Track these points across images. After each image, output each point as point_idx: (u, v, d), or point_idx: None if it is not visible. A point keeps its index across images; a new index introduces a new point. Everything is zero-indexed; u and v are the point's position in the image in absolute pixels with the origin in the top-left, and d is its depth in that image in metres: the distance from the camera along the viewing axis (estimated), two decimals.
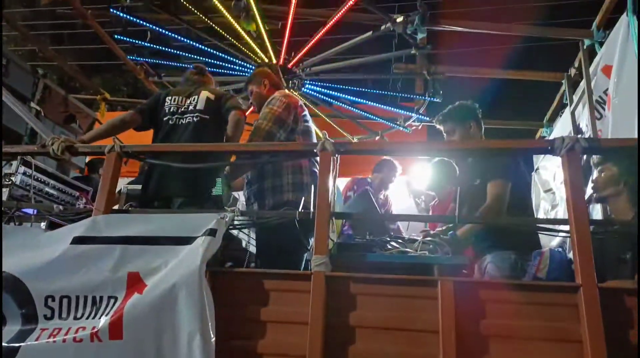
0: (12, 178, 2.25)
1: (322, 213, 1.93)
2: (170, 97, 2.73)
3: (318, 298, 1.79)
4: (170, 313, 1.76)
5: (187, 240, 1.91)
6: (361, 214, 2.24)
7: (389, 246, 2.07)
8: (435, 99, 4.29)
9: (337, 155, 2.07)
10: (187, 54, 4.50)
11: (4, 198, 2.20)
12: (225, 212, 1.99)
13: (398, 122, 4.95)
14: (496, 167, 2.44)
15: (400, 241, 2.17)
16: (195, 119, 2.63)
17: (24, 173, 2.34)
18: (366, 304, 1.81)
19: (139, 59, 4.47)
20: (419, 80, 4.98)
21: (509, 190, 2.39)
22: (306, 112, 3.08)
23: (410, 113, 4.81)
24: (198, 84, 2.90)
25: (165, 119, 2.66)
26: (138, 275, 1.86)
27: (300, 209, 2.11)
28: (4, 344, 1.80)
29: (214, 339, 1.74)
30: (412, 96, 5.25)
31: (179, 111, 2.68)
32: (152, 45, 4.24)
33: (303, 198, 2.35)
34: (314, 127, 3.19)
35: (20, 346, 1.78)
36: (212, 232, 1.91)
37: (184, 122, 2.63)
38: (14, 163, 2.29)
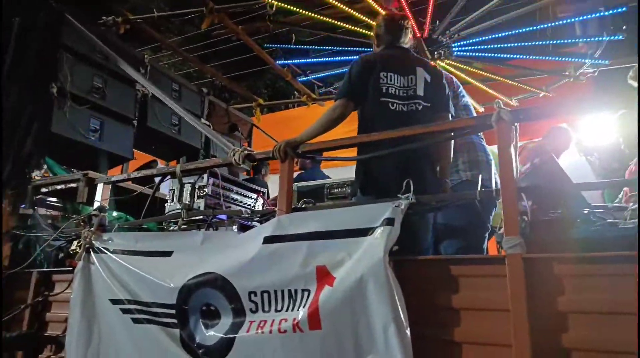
0: (206, 189, 2.53)
1: (508, 189, 1.76)
2: (384, 73, 2.31)
3: (517, 282, 1.64)
4: (362, 304, 1.79)
5: (365, 231, 1.91)
6: (555, 186, 1.97)
7: (593, 219, 1.80)
8: (618, 37, 3.62)
9: (516, 124, 1.86)
10: (328, 47, 4.60)
11: (202, 207, 2.49)
12: (399, 200, 1.95)
13: (567, 73, 4.33)
14: None
15: (603, 211, 1.88)
16: (418, 106, 2.32)
17: (213, 183, 2.62)
18: (577, 287, 1.59)
19: (286, 62, 4.70)
20: (579, 23, 4.30)
21: None
22: (462, 87, 2.91)
23: (582, 59, 4.14)
24: (404, 50, 2.47)
25: (382, 100, 2.28)
26: (326, 268, 1.92)
27: (479, 188, 1.96)
28: (222, 335, 2.05)
29: (408, 328, 1.72)
30: (578, 40, 4.55)
31: (397, 93, 2.31)
32: (297, 46, 4.41)
33: (480, 176, 2.19)
34: (470, 101, 2.99)
35: (235, 337, 2.00)
36: (390, 221, 1.88)
37: (405, 109, 2.30)
38: (204, 176, 2.58)
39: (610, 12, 3.49)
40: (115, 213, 3.11)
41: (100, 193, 2.70)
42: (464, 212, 2.40)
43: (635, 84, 2.24)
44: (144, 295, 2.26)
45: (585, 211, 1.82)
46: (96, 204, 2.68)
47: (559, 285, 1.62)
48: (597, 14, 3.68)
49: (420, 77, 2.35)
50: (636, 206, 1.84)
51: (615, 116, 3.35)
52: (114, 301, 2.33)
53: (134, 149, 4.09)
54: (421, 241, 2.23)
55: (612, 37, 3.63)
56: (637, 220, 1.73)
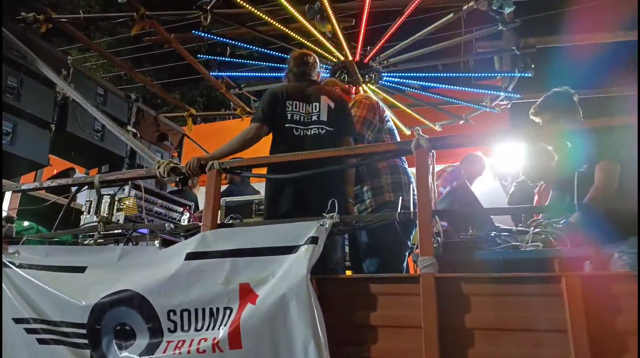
0: (126, 202, 2.43)
1: (424, 212, 1.87)
2: (290, 102, 2.54)
3: (429, 300, 1.73)
4: (283, 322, 1.80)
5: (290, 249, 1.94)
6: (466, 209, 2.12)
7: (498, 241, 1.96)
8: (526, 75, 3.99)
9: (432, 151, 1.99)
10: (263, 63, 4.62)
11: (121, 220, 2.39)
12: (324, 219, 2.00)
13: (484, 103, 4.69)
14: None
15: (507, 234, 2.05)
16: (321, 131, 2.50)
17: (135, 196, 2.53)
18: (482, 305, 1.72)
19: (220, 74, 4.65)
20: (497, 58, 4.70)
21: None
22: (387, 112, 3.07)
23: (497, 92, 4.52)
24: (310, 82, 2.69)
25: (287, 126, 2.49)
26: (249, 286, 1.92)
27: (399, 210, 2.06)
28: (136, 356, 1.96)
29: (327, 346, 1.75)
30: (495, 74, 4.96)
31: (304, 120, 2.52)
32: (232, 59, 4.39)
33: (401, 198, 2.31)
34: (393, 127, 3.15)
35: None
36: (314, 240, 1.92)
37: (309, 134, 2.49)
38: (126, 188, 2.48)
39: (522, 51, 3.85)
40: (25, 223, 2.89)
41: (9, 202, 2.50)
42: (386, 232, 2.51)
43: (537, 119, 2.49)
44: (52, 313, 2.12)
45: (492, 234, 1.97)
46: (3, 214, 2.47)
47: (466, 302, 1.74)
48: (510, 52, 4.05)
49: (324, 105, 2.55)
50: (537, 230, 2.03)
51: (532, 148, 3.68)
52: (18, 320, 2.16)
53: (50, 155, 3.83)
54: (327, 260, 2.26)
55: (522, 74, 4.01)
56: None
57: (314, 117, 2.52)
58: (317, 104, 2.55)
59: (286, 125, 2.50)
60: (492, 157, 4.82)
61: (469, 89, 4.50)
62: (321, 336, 1.76)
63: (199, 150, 5.07)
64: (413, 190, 2.81)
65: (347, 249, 2.95)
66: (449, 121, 5.18)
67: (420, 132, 2.02)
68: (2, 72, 3.01)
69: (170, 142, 5.76)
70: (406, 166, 2.87)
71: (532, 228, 2.05)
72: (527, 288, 1.69)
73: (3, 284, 2.22)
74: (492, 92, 4.56)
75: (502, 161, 4.78)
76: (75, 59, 4.30)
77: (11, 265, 2.27)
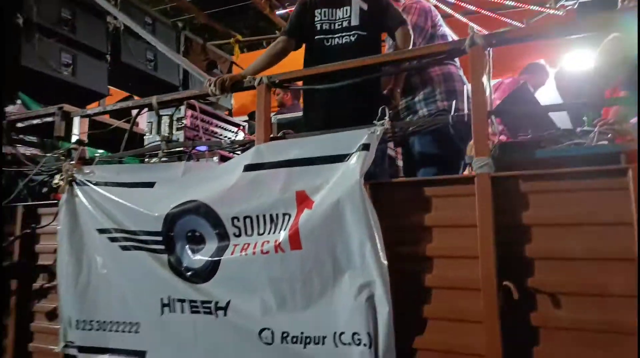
0: (184, 121, 2.54)
1: (479, 112, 1.82)
2: (319, 10, 2.47)
3: (485, 200, 1.74)
4: (339, 225, 1.88)
5: (342, 158, 1.97)
6: (524, 108, 2.04)
7: (560, 140, 1.88)
8: None
9: (489, 49, 1.89)
10: None
11: (181, 139, 2.51)
12: (374, 126, 2.00)
13: (547, 5, 4.30)
14: None
15: (570, 133, 1.96)
16: (352, 38, 2.42)
17: (191, 116, 2.62)
18: (540, 202, 1.71)
19: None
20: None
21: None
22: (439, 16, 2.89)
23: None
24: None
25: (317, 38, 2.46)
26: (304, 193, 2.00)
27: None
28: (208, 258, 2.14)
29: (383, 246, 1.83)
30: None
31: (332, 27, 2.45)
32: None
33: (456, 105, 2.24)
34: (449, 32, 2.98)
35: (220, 259, 2.10)
36: (365, 147, 1.94)
37: (340, 42, 2.42)
38: (182, 108, 2.57)
39: None
40: (98, 151, 3.11)
41: (78, 127, 2.68)
42: (440, 141, 2.48)
43: (633, 4, 2.17)
44: (130, 224, 2.32)
45: (553, 132, 1.89)
46: (74, 138, 2.66)
47: (524, 201, 1.73)
48: None
49: (355, 8, 2.44)
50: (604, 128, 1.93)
51: (605, 40, 3.33)
52: (101, 231, 2.39)
53: (108, 86, 4.00)
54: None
55: None
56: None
57: (345, 24, 2.44)
58: (348, 7, 2.44)
59: (315, 37, 2.46)
60: (557, 67, 4.49)
61: None
62: (377, 237, 1.83)
63: None
64: (469, 98, 2.71)
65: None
66: (507, 29, 4.81)
67: (475, 30, 1.91)
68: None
69: (219, 70, 5.81)
70: (462, 73, 2.76)
71: (598, 127, 1.95)
72: (589, 184, 1.64)
73: (84, 199, 2.45)
74: None
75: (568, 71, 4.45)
76: None
77: (89, 183, 2.47)
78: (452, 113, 2.05)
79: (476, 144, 1.81)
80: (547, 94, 4.20)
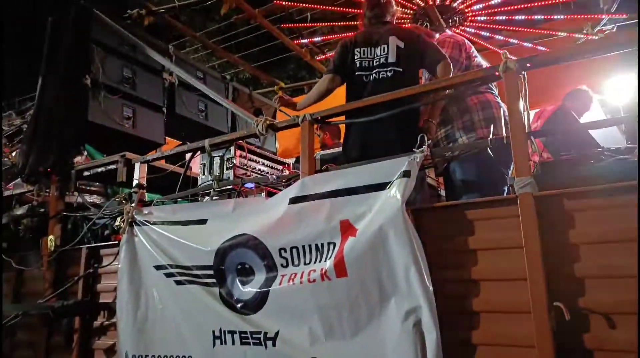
0: (233, 161, 2.70)
1: (517, 133, 1.84)
2: (358, 50, 2.64)
3: (529, 220, 1.73)
4: (383, 251, 1.91)
5: (384, 186, 2.02)
6: (564, 127, 2.03)
7: (603, 158, 1.86)
8: None
9: (523, 72, 1.93)
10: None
11: (231, 178, 2.66)
12: (414, 153, 2.05)
13: (585, 31, 4.28)
14: None
15: (614, 149, 1.93)
16: (388, 73, 2.57)
17: (240, 155, 2.79)
18: (587, 219, 1.68)
19: (304, 42, 4.81)
20: None
21: None
22: (473, 48, 2.97)
23: (599, 14, 4.09)
24: (384, 23, 2.71)
25: (357, 74, 2.62)
26: (348, 222, 2.05)
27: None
28: (257, 289, 2.21)
29: (427, 269, 1.83)
30: None
31: (370, 65, 2.60)
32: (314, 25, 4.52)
33: (494, 130, 2.27)
34: (484, 62, 3.04)
35: (269, 290, 2.16)
36: (406, 174, 1.99)
37: (377, 77, 2.57)
38: (231, 149, 2.75)
39: None
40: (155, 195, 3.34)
41: (138, 172, 2.90)
42: (482, 166, 2.49)
43: None
44: (184, 259, 2.45)
45: (596, 151, 1.87)
46: (135, 182, 2.88)
47: (570, 219, 1.71)
48: None
49: (392, 46, 2.59)
50: None
51: None
52: (158, 267, 2.53)
53: (164, 136, 4.30)
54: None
55: None
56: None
57: (382, 60, 2.59)
58: (386, 46, 2.60)
59: (356, 73, 2.62)
60: (601, 93, 4.41)
61: (565, 15, 4.12)
62: (421, 261, 1.85)
63: None
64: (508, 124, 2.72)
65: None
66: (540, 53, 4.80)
67: (508, 54, 1.96)
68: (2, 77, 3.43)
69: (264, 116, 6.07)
70: (499, 100, 2.78)
71: None
72: (631, 199, 1.61)
73: (143, 238, 2.61)
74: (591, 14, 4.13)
75: (611, 96, 4.37)
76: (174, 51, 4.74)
77: (147, 223, 2.65)
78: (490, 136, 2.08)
79: (517, 164, 1.82)
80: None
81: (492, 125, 2.59)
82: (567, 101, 3.96)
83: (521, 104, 1.92)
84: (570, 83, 4.18)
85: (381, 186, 2.03)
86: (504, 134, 2.57)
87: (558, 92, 4.22)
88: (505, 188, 2.60)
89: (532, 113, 3.91)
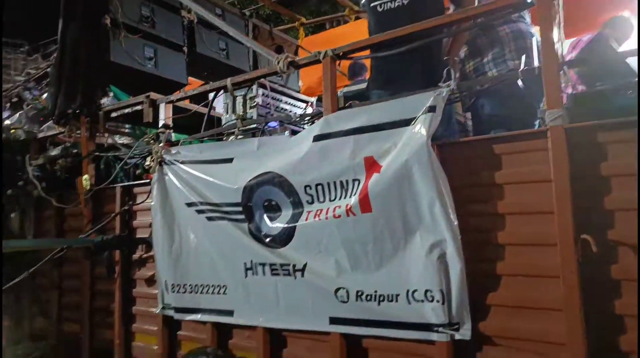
0: (256, 99, 2.69)
1: (549, 63, 1.76)
2: None
3: (559, 153, 1.69)
4: (408, 186, 1.92)
5: (409, 121, 1.99)
6: (599, 57, 1.93)
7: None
8: None
9: None
10: None
11: (255, 117, 2.66)
12: (440, 88, 2.00)
13: None
14: None
15: None
16: (404, 2, 2.47)
17: (262, 94, 2.76)
18: (620, 152, 1.64)
19: None
20: None
21: None
22: None
23: None
24: None
25: (373, 5, 2.56)
26: (373, 158, 2.05)
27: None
28: (284, 225, 2.28)
29: (452, 204, 1.85)
30: None
31: None
32: None
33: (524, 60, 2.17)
34: None
35: (296, 225, 2.23)
36: (432, 109, 1.95)
37: (392, 7, 2.49)
38: (254, 88, 2.72)
39: None
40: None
41: (163, 112, 2.93)
42: (511, 100, 2.41)
43: None
44: (213, 197, 2.53)
45: (632, 80, 1.78)
46: (161, 123, 2.92)
47: (602, 151, 1.66)
48: None
49: None
50: None
51: None
52: (189, 204, 2.62)
53: (187, 76, 4.28)
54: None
55: None
56: None
57: None
58: None
59: (371, 4, 2.54)
60: None
61: None
62: (446, 196, 1.86)
63: None
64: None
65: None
66: None
67: None
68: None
69: (286, 54, 5.94)
70: (533, 30, 2.64)
71: None
72: None
73: (173, 177, 2.69)
74: None
75: None
76: None
77: (176, 162, 2.71)
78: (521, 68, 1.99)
79: (548, 96, 1.76)
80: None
81: (524, 56, 2.49)
82: (605, 29, 3.71)
83: (555, 32, 1.82)
84: (611, 9, 3.90)
85: (406, 122, 2.01)
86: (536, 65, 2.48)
87: (596, 20, 3.95)
88: (537, 122, 2.52)
89: (566, 43, 3.73)
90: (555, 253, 1.67)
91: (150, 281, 2.89)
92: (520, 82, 1.96)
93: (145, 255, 2.94)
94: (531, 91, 2.14)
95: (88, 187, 3.16)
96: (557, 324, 1.65)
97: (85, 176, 3.19)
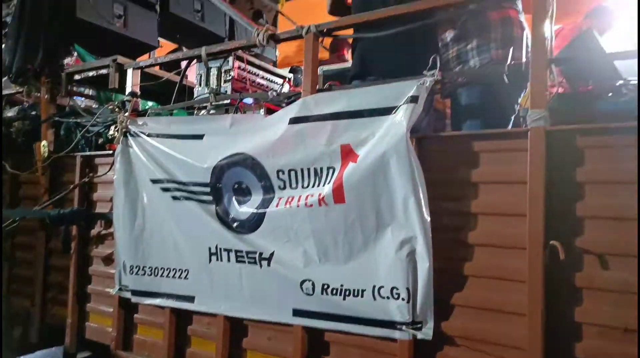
0: (231, 73, 2.55)
1: (538, 60, 1.70)
2: None
3: (537, 154, 1.66)
4: (383, 178, 1.87)
5: (390, 110, 1.92)
6: (588, 56, 1.88)
7: (624, 92, 1.74)
8: None
9: None
10: None
11: (229, 91, 2.52)
12: (424, 77, 1.92)
13: None
14: None
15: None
16: None
17: (239, 67, 2.62)
18: (598, 158, 1.61)
19: None
20: None
21: None
22: None
23: None
24: None
25: None
26: (350, 147, 1.98)
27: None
28: (253, 210, 2.20)
29: (427, 201, 1.80)
30: None
31: None
32: None
33: (511, 52, 2.09)
34: None
35: (265, 211, 2.16)
36: (414, 99, 1.88)
37: None
38: (230, 60, 2.57)
39: None
40: (149, 102, 3.20)
41: (131, 79, 2.75)
42: (489, 93, 2.34)
43: None
44: (180, 175, 2.41)
45: (617, 83, 1.75)
46: (127, 90, 2.74)
47: (579, 156, 1.64)
48: None
49: None
50: None
51: None
52: (155, 181, 2.50)
53: (158, 38, 4.05)
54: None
55: None
56: None
57: None
58: None
59: None
60: (628, 9, 4.08)
61: None
62: (421, 192, 1.81)
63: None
64: (529, 46, 2.53)
65: None
66: None
67: None
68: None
69: (265, 19, 5.71)
70: (523, 19, 2.55)
71: None
72: None
73: (138, 150, 2.55)
74: None
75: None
76: None
77: (142, 134, 2.57)
78: (508, 62, 1.93)
79: (533, 95, 1.71)
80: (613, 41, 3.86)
81: (509, 46, 2.41)
82: (588, 18, 3.68)
83: (547, 25, 1.75)
84: None
85: (387, 111, 1.93)
86: (523, 58, 2.42)
87: (579, 8, 3.91)
88: (512, 118, 2.48)
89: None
90: (524, 257, 1.66)
91: (108, 260, 2.77)
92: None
93: (104, 232, 2.81)
94: (511, 83, 2.08)
95: (46, 154, 2.98)
96: (519, 329, 1.66)
97: (44, 142, 3.00)
